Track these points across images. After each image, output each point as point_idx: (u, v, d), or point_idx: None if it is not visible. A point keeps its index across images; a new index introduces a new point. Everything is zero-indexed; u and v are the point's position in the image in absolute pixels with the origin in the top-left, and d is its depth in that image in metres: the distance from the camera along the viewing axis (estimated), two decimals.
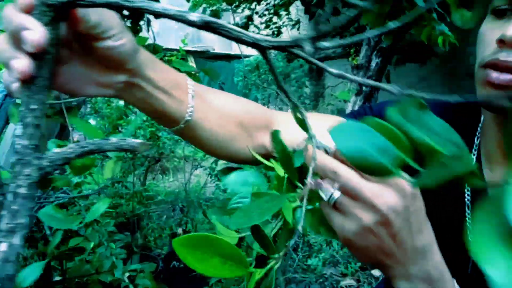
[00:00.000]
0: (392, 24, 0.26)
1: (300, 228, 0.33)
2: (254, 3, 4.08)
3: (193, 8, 3.40)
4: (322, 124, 0.42)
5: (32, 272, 0.67)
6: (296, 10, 4.63)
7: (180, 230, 2.32)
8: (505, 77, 0.47)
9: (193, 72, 1.12)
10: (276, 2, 4.27)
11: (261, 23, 4.37)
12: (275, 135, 0.40)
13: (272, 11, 4.34)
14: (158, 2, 1.26)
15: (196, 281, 1.86)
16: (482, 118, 0.59)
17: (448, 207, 0.58)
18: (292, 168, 0.41)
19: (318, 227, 0.44)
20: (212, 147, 0.57)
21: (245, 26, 4.11)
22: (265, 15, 4.34)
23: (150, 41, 1.34)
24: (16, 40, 0.31)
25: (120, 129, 2.60)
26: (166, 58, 1.30)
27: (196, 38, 5.81)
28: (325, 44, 0.30)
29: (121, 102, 2.55)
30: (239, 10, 4.12)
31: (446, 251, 0.42)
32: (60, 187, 0.82)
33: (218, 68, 4.95)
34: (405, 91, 0.23)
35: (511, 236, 0.14)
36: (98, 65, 0.43)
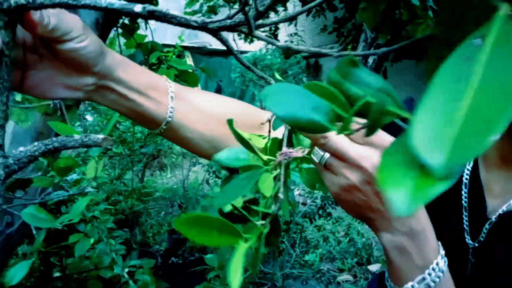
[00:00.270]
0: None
1: (281, 195, 0.36)
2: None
3: (190, 3, 3.39)
4: None
5: (19, 270, 0.68)
6: (293, 6, 4.62)
7: None
8: None
9: (190, 70, 1.13)
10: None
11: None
12: (229, 123, 0.43)
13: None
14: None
15: (195, 276, 1.88)
16: None
17: (445, 210, 0.59)
18: (253, 150, 0.43)
19: (313, 183, 0.48)
20: (199, 147, 0.57)
21: None
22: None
23: (149, 38, 1.35)
24: None
25: (118, 125, 2.60)
26: (163, 54, 1.30)
27: (193, 34, 5.80)
28: (263, 22, 0.34)
29: None
30: (236, 6, 4.11)
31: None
32: (43, 187, 0.83)
33: (215, 64, 4.93)
34: (343, 53, 0.25)
35: (412, 160, 0.15)
36: (65, 68, 0.44)
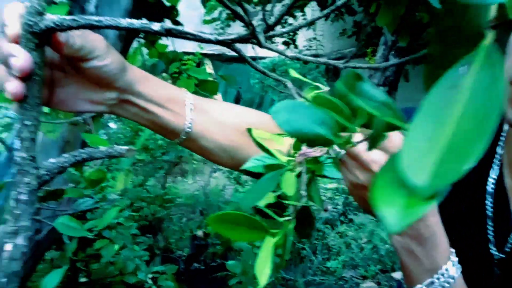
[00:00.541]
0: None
1: (303, 192, 0.38)
2: (269, 5, 4.09)
3: (209, 12, 3.44)
4: None
5: (53, 278, 0.71)
6: (311, 11, 4.62)
7: (200, 232, 2.35)
8: None
9: (210, 79, 1.15)
10: (291, 3, 4.27)
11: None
12: (249, 131, 0.46)
13: (288, 13, 4.33)
14: (176, 10, 1.29)
15: (217, 282, 1.88)
16: (506, 128, 0.57)
17: (468, 220, 0.57)
18: (271, 153, 0.46)
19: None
20: (218, 157, 0.59)
21: None
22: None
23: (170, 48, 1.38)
24: (8, 66, 0.36)
25: (139, 133, 2.66)
26: (184, 62, 1.33)
27: None
28: (273, 32, 0.36)
29: None
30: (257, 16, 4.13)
31: (467, 249, 0.43)
32: (74, 197, 0.87)
33: (234, 70, 4.97)
34: (349, 65, 0.27)
35: (401, 183, 0.16)
36: (89, 85, 0.47)
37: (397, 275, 2.34)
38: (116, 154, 0.40)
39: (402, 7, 1.22)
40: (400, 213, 0.15)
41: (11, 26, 0.36)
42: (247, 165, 0.53)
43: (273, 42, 4.65)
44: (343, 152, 0.44)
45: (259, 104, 5.16)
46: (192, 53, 1.78)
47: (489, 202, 0.56)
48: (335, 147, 0.44)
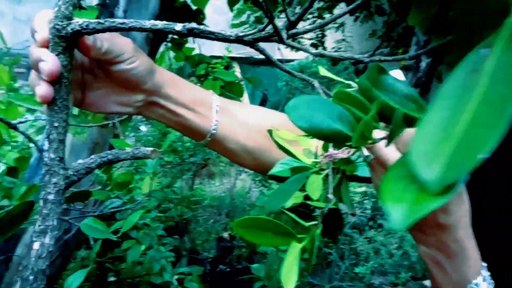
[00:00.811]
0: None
1: (330, 195, 0.36)
2: (298, 7, 4.08)
3: (237, 15, 3.46)
4: None
5: (77, 278, 0.72)
6: (340, 12, 4.55)
7: (226, 234, 2.36)
8: None
9: (236, 81, 1.15)
10: (320, 5, 4.24)
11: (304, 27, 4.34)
12: (270, 132, 0.44)
13: (316, 14, 4.30)
14: (203, 13, 1.30)
15: (242, 285, 1.88)
16: None
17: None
18: (293, 155, 0.45)
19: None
20: (242, 158, 0.59)
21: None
22: (308, 18, 4.32)
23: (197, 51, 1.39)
24: (37, 70, 0.37)
25: (167, 135, 2.70)
26: (211, 65, 1.34)
27: (240, 45, 5.90)
28: (296, 30, 0.34)
29: None
30: (282, 15, 4.13)
31: None
32: (101, 199, 0.88)
33: (261, 73, 4.98)
34: (374, 58, 0.25)
35: (412, 177, 0.15)
36: (117, 87, 0.47)
37: (429, 283, 2.25)
38: (141, 155, 0.41)
39: (435, 5, 1.17)
40: (407, 209, 0.14)
41: (40, 31, 0.37)
42: (274, 170, 0.53)
43: (300, 44, 4.62)
44: (372, 157, 0.42)
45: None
46: (220, 57, 1.79)
47: None
48: (364, 150, 0.42)
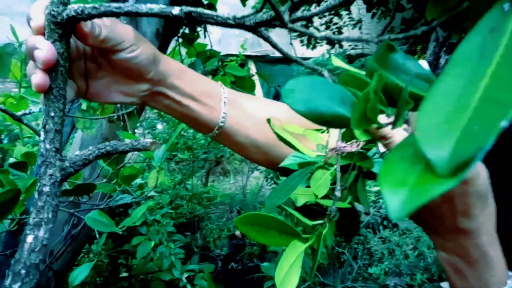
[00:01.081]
0: None
1: (337, 192, 0.34)
2: (314, 5, 4.03)
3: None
4: None
5: (82, 272, 0.72)
6: (357, 9, 4.49)
7: (238, 232, 2.35)
8: None
9: (247, 76, 1.13)
10: (336, 2, 4.18)
11: (321, 25, 4.30)
12: (268, 121, 0.42)
13: (332, 11, 4.25)
14: (214, 8, 1.29)
15: (253, 283, 1.87)
16: None
17: None
18: (294, 147, 0.43)
19: None
20: (251, 152, 0.56)
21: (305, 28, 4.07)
22: (325, 16, 4.27)
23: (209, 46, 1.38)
24: (33, 59, 0.36)
25: (183, 133, 2.71)
26: (226, 63, 1.32)
27: (256, 43, 5.89)
28: (299, 14, 0.32)
29: None
30: (299, 13, 4.09)
31: None
32: (107, 193, 0.88)
33: (277, 71, 4.96)
34: (383, 37, 0.23)
35: (416, 158, 0.12)
36: (120, 77, 0.46)
37: (446, 285, 2.19)
38: (140, 147, 0.39)
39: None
40: (407, 194, 0.12)
41: (35, 18, 0.36)
42: (284, 163, 0.51)
43: (317, 43, 4.57)
44: (387, 151, 0.39)
45: None
46: (236, 55, 1.78)
47: None
48: (380, 145, 0.39)
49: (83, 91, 0.45)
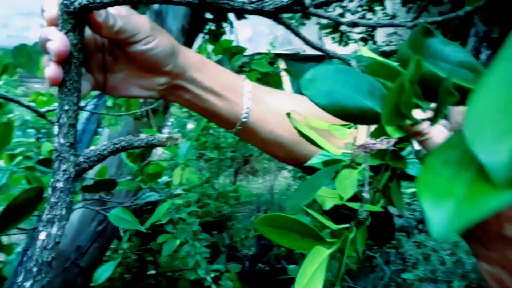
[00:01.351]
0: None
1: (365, 194, 0.31)
2: (346, 0, 3.95)
3: None
4: None
5: (106, 270, 0.71)
6: (392, 3, 4.35)
7: None
8: None
9: (273, 72, 1.10)
10: None
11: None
12: (288, 115, 0.40)
13: (365, 7, 4.14)
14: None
15: (280, 285, 1.83)
16: None
17: None
18: (316, 144, 0.39)
19: None
20: (275, 149, 0.54)
21: (336, 25, 3.99)
22: (357, 12, 4.16)
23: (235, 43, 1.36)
24: (46, 51, 0.35)
25: (212, 131, 2.72)
26: (255, 61, 1.30)
27: (287, 41, 5.85)
28: None
29: None
30: (330, 9, 4.01)
31: None
32: (132, 190, 0.87)
33: (307, 69, 4.90)
34: (418, 21, 0.19)
35: (468, 158, 0.10)
36: (138, 69, 0.44)
37: None
38: (156, 142, 0.38)
39: None
40: (454, 209, 0.09)
41: (48, 9, 0.35)
42: (311, 162, 0.48)
43: (348, 39, 4.48)
44: (424, 151, 0.35)
45: None
46: (266, 53, 1.75)
47: None
48: (415, 143, 0.36)
49: (101, 85, 0.44)
